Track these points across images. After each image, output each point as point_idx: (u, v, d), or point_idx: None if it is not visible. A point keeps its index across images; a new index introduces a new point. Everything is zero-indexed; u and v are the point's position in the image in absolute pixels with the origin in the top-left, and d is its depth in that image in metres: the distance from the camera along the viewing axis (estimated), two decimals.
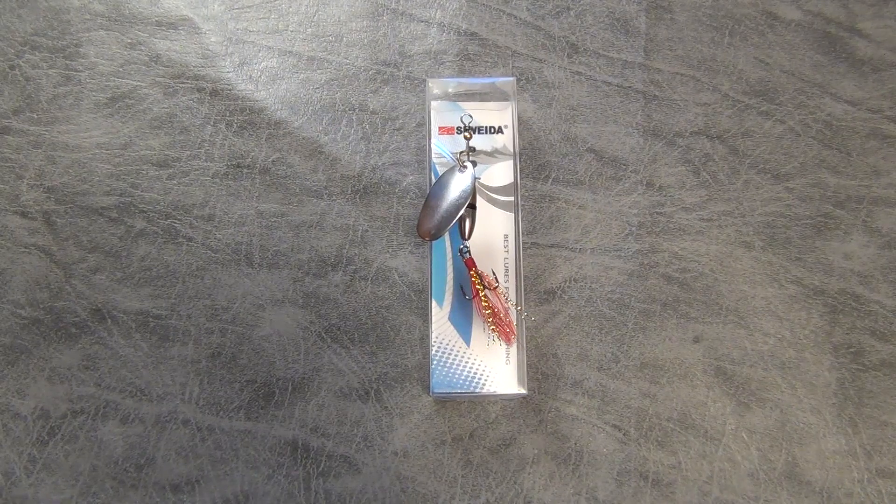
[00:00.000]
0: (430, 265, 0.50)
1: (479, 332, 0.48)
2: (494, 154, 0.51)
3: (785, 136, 0.53)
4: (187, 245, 0.51)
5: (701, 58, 0.55)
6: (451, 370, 0.48)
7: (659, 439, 0.48)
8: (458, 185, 0.49)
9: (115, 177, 0.52)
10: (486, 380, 0.48)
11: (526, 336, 0.49)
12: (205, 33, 0.55)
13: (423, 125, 0.53)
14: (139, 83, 0.54)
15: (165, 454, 0.48)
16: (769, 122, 0.54)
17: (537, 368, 0.49)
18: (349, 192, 0.52)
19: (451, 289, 0.49)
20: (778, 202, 0.52)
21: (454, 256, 0.50)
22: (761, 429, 0.49)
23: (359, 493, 0.47)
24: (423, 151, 0.53)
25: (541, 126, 0.54)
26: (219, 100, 0.54)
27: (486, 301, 0.47)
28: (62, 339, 0.49)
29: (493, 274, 0.49)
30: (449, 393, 0.48)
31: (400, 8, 0.56)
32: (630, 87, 0.54)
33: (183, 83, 0.54)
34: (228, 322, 0.50)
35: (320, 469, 0.48)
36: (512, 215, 0.50)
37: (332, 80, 0.54)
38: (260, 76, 0.54)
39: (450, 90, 0.52)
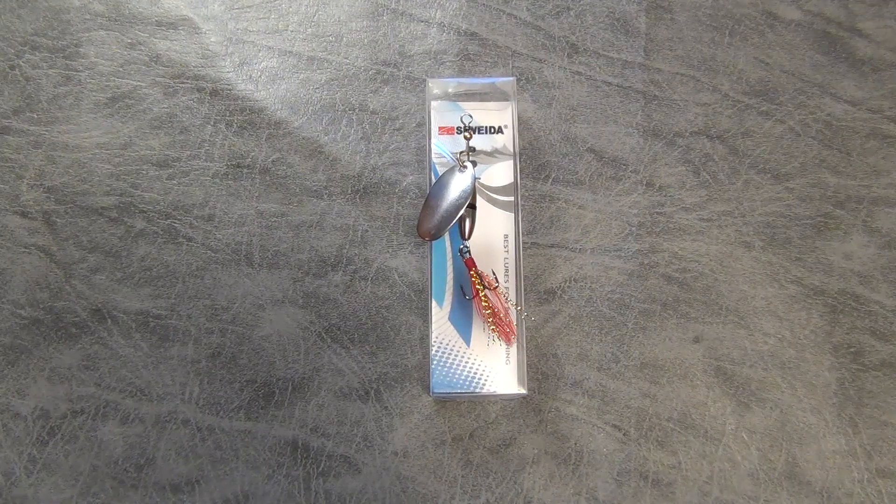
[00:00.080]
0: (430, 265, 0.50)
1: (479, 332, 0.48)
2: (494, 154, 0.51)
3: (785, 136, 0.53)
4: (187, 245, 0.51)
5: (701, 58, 0.55)
6: (451, 370, 0.48)
7: (659, 439, 0.48)
8: (458, 185, 0.49)
9: (115, 177, 0.52)
10: (486, 380, 0.48)
11: (526, 336, 0.49)
12: (205, 33, 0.55)
13: (423, 125, 0.53)
14: (139, 83, 0.54)
15: (165, 454, 0.48)
16: (769, 122, 0.54)
17: (537, 368, 0.49)
18: (349, 192, 0.52)
19: (451, 289, 0.49)
20: (778, 202, 0.52)
21: (454, 256, 0.50)
22: (761, 429, 0.49)
23: (359, 493, 0.47)
24: (423, 151, 0.53)
25: (541, 126, 0.54)
26: (219, 100, 0.54)
27: (486, 301, 0.47)
28: (62, 339, 0.49)
29: (493, 274, 0.49)
30: (449, 393, 0.48)
31: (400, 8, 0.56)
32: (630, 87, 0.54)
33: (183, 83, 0.54)
34: (228, 322, 0.50)
35: (320, 469, 0.48)
36: (512, 215, 0.50)
37: (332, 80, 0.54)
38: (260, 76, 0.54)
39: (450, 90, 0.52)
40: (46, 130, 0.53)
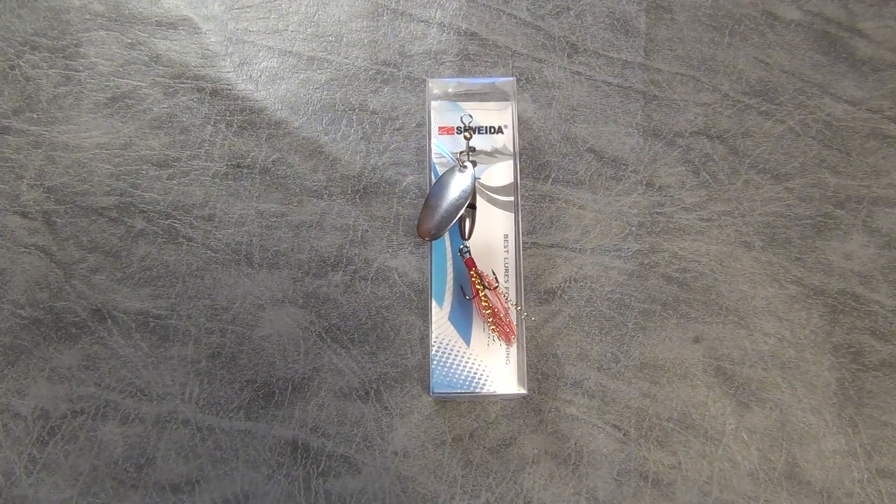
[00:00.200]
0: (430, 265, 0.50)
1: (479, 332, 0.48)
2: (494, 154, 0.51)
3: (785, 136, 0.53)
4: (187, 245, 0.51)
5: (701, 58, 0.55)
6: (451, 370, 0.48)
7: (659, 439, 0.48)
8: (458, 185, 0.49)
9: (115, 177, 0.52)
10: (486, 380, 0.48)
11: (526, 336, 0.49)
12: (205, 33, 0.55)
13: (423, 125, 0.53)
14: (139, 83, 0.54)
15: (165, 454, 0.48)
16: (769, 122, 0.54)
17: (537, 368, 0.49)
18: (349, 192, 0.52)
19: (451, 289, 0.49)
20: (778, 202, 0.52)
21: (454, 256, 0.50)
22: (761, 429, 0.49)
23: (359, 493, 0.47)
24: (423, 151, 0.53)
25: (541, 126, 0.54)
26: (219, 100, 0.54)
27: (486, 301, 0.47)
28: (62, 339, 0.49)
29: (493, 274, 0.49)
30: (449, 393, 0.48)
31: (400, 8, 0.56)
32: (630, 87, 0.54)
33: (183, 83, 0.54)
34: (228, 322, 0.50)
35: (320, 469, 0.48)
36: (512, 215, 0.50)
37: (332, 80, 0.54)
38: (260, 76, 0.54)
39: (450, 90, 0.52)
40: (46, 130, 0.53)
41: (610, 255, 0.51)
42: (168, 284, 0.50)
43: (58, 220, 0.51)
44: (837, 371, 0.49)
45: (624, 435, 0.48)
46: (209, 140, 0.53)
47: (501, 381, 0.48)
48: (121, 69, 0.54)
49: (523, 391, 0.48)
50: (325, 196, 0.52)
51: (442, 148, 0.51)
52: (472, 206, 0.50)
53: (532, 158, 0.53)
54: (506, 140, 0.51)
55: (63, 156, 0.52)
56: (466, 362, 0.48)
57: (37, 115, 0.53)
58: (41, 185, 0.52)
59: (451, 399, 0.49)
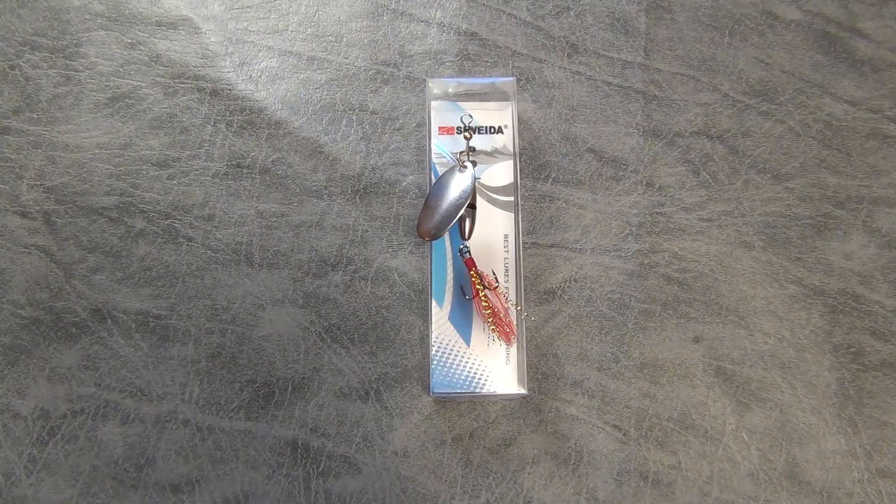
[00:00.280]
0: (430, 265, 0.50)
1: (479, 332, 0.48)
2: (494, 154, 0.51)
3: (785, 136, 0.53)
4: (187, 245, 0.51)
5: (701, 58, 0.55)
6: (451, 370, 0.48)
7: (659, 439, 0.48)
8: (458, 185, 0.49)
9: (115, 177, 0.52)
10: (486, 380, 0.48)
11: (526, 336, 0.49)
12: (205, 33, 0.55)
13: (423, 125, 0.53)
14: (139, 83, 0.54)
15: (165, 454, 0.48)
16: (769, 122, 0.54)
17: (537, 368, 0.49)
18: (349, 192, 0.52)
19: (451, 289, 0.49)
20: (778, 202, 0.52)
21: (454, 256, 0.50)
22: (761, 429, 0.49)
23: (359, 493, 0.47)
24: (423, 151, 0.53)
25: (541, 126, 0.54)
26: (219, 100, 0.54)
27: (486, 301, 0.47)
28: (62, 339, 0.49)
29: (493, 274, 0.49)
30: (449, 393, 0.48)
31: (400, 8, 0.56)
32: (630, 87, 0.54)
33: (183, 83, 0.54)
34: (228, 322, 0.50)
35: (320, 469, 0.48)
36: (512, 215, 0.50)
37: (332, 80, 0.54)
38: (260, 76, 0.54)
39: (450, 90, 0.52)
40: (46, 130, 0.53)
41: (610, 255, 0.51)
42: (168, 284, 0.50)
43: (58, 220, 0.51)
44: (837, 371, 0.49)
45: (624, 435, 0.48)
46: (209, 140, 0.53)
47: (501, 381, 0.48)
48: (121, 69, 0.54)
49: (523, 391, 0.48)
50: (325, 196, 0.52)
51: (442, 148, 0.51)
52: (472, 206, 0.50)
53: (532, 158, 0.53)
54: (506, 140, 0.51)
55: (63, 156, 0.52)
56: (466, 362, 0.48)
57: (37, 115, 0.53)
58: (41, 185, 0.52)
59: (451, 399, 0.49)
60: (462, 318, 0.49)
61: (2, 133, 0.52)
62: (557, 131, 0.54)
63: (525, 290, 0.50)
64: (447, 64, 0.55)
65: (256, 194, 0.52)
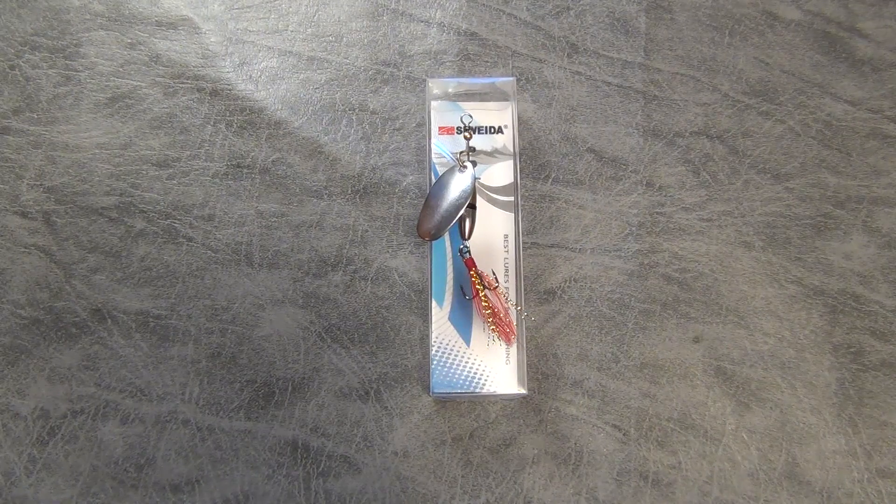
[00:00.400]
0: (430, 265, 0.50)
1: (479, 332, 0.48)
2: (494, 154, 0.51)
3: (785, 136, 0.53)
4: (187, 245, 0.51)
5: (701, 58, 0.55)
6: (451, 370, 0.48)
7: (659, 439, 0.48)
8: (458, 185, 0.49)
9: (115, 177, 0.52)
10: (486, 380, 0.48)
11: (526, 336, 0.49)
12: (205, 33, 0.55)
13: (423, 125, 0.53)
14: (139, 83, 0.54)
15: (165, 454, 0.48)
16: (769, 122, 0.54)
17: (537, 368, 0.49)
18: (349, 192, 0.52)
19: (451, 289, 0.49)
20: (778, 202, 0.52)
21: (454, 256, 0.50)
22: (761, 429, 0.49)
23: (359, 493, 0.47)
24: (423, 151, 0.53)
25: (541, 126, 0.54)
26: (219, 100, 0.54)
27: (486, 301, 0.47)
28: (62, 339, 0.49)
29: (493, 274, 0.49)
30: (449, 393, 0.48)
31: (400, 8, 0.56)
32: (630, 87, 0.54)
33: (183, 83, 0.54)
34: (228, 322, 0.50)
35: (320, 469, 0.48)
36: (512, 215, 0.50)
37: (332, 80, 0.54)
38: (260, 76, 0.54)
39: (450, 90, 0.52)
40: (46, 130, 0.53)
41: (610, 255, 0.51)
42: (168, 284, 0.50)
43: (58, 220, 0.51)
44: (837, 371, 0.49)
45: (624, 435, 0.48)
46: (209, 140, 0.53)
47: (501, 381, 0.48)
48: (121, 69, 0.54)
49: (523, 391, 0.48)
50: (325, 196, 0.52)
51: (442, 148, 0.51)
52: (472, 206, 0.50)
53: (532, 158, 0.53)
54: (506, 140, 0.51)
55: (63, 156, 0.52)
56: (466, 362, 0.48)
57: (37, 115, 0.53)
58: (41, 185, 0.52)
59: (451, 399, 0.49)
60: (462, 318, 0.49)
61: (2, 133, 0.52)
62: (557, 131, 0.54)
63: (525, 290, 0.50)
64: (447, 64, 0.55)
65: (256, 194, 0.52)
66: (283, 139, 0.53)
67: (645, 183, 0.53)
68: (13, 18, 0.54)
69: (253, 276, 0.51)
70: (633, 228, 0.52)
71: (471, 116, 0.51)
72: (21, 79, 0.53)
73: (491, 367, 0.48)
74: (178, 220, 0.51)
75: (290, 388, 0.49)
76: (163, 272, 0.51)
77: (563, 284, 0.51)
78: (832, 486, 0.48)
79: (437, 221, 0.48)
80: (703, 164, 0.53)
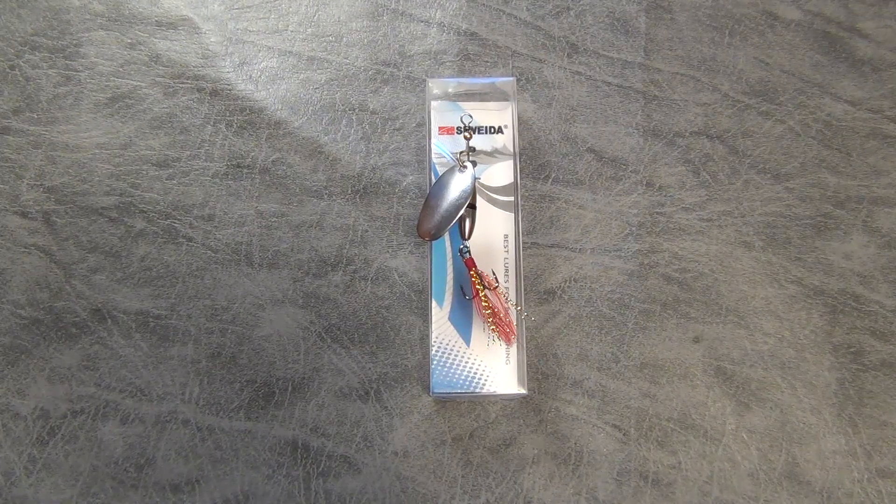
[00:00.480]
0: (430, 265, 0.50)
1: (479, 332, 0.48)
2: (494, 154, 0.51)
3: (785, 136, 0.53)
4: (187, 245, 0.51)
5: (701, 58, 0.55)
6: (451, 370, 0.48)
7: (659, 439, 0.48)
8: (458, 185, 0.49)
9: (115, 177, 0.52)
10: (486, 380, 0.48)
11: (526, 336, 0.49)
12: (205, 33, 0.55)
13: (423, 125, 0.53)
14: (139, 83, 0.54)
15: (165, 454, 0.48)
16: (769, 122, 0.54)
17: (537, 368, 0.49)
18: (349, 192, 0.52)
19: (451, 289, 0.49)
20: (778, 202, 0.52)
21: (454, 256, 0.50)
22: (761, 429, 0.49)
23: (359, 493, 0.47)
24: (423, 151, 0.53)
25: (541, 126, 0.54)
26: (219, 100, 0.54)
27: (486, 301, 0.47)
28: (62, 339, 0.49)
29: (493, 274, 0.49)
30: (449, 393, 0.48)
31: (400, 8, 0.56)
32: (630, 87, 0.54)
33: (183, 83, 0.54)
34: (228, 322, 0.50)
35: (320, 469, 0.48)
36: (512, 215, 0.50)
37: (332, 80, 0.54)
38: (260, 76, 0.54)
39: (450, 90, 0.52)
40: (46, 130, 0.53)
41: (610, 255, 0.51)
42: (168, 284, 0.50)
43: (58, 220, 0.51)
44: (837, 371, 0.49)
45: (624, 435, 0.48)
46: (209, 140, 0.53)
47: (501, 381, 0.48)
48: (121, 69, 0.54)
49: (523, 391, 0.48)
50: (325, 196, 0.52)
51: (442, 148, 0.51)
52: (472, 206, 0.50)
53: (532, 158, 0.53)
54: (506, 140, 0.51)
55: (63, 156, 0.52)
56: (466, 362, 0.48)
57: (37, 115, 0.53)
58: (41, 185, 0.52)
59: (451, 399, 0.49)
60: (462, 318, 0.49)
61: (2, 133, 0.52)
62: (557, 131, 0.54)
63: (525, 290, 0.50)
64: (447, 64, 0.55)
65: (256, 194, 0.52)
66: (283, 139, 0.53)
67: (645, 183, 0.53)
68: (13, 18, 0.54)
69: (253, 276, 0.51)
70: (633, 228, 0.52)
71: (471, 116, 0.51)
72: (21, 79, 0.53)
73: (491, 367, 0.48)
74: (178, 220, 0.51)
75: (290, 388, 0.49)
76: (163, 272, 0.51)
77: (563, 284, 0.51)
78: (832, 486, 0.48)
79: (437, 221, 0.48)
80: (703, 164, 0.53)
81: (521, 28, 0.55)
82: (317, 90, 0.54)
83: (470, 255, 0.49)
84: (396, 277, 0.51)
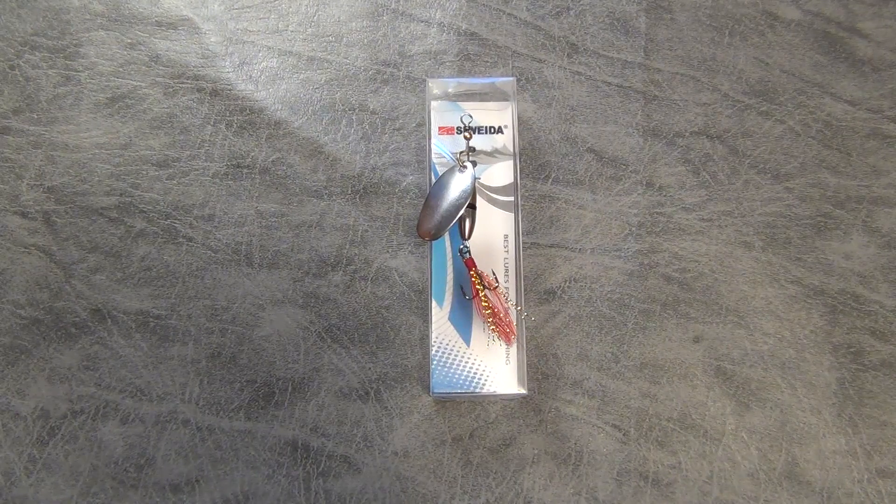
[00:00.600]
0: (430, 265, 0.50)
1: (479, 332, 0.48)
2: (494, 154, 0.51)
3: (785, 136, 0.53)
4: (187, 245, 0.51)
5: (701, 58, 0.55)
6: (451, 370, 0.48)
7: (659, 439, 0.48)
8: (458, 185, 0.49)
9: (115, 177, 0.52)
10: (486, 380, 0.48)
11: (526, 336, 0.49)
12: (205, 33, 0.55)
13: (423, 125, 0.53)
14: (139, 83, 0.54)
15: (165, 454, 0.48)
16: (769, 122, 0.54)
17: (537, 368, 0.49)
18: (349, 192, 0.52)
19: (451, 289, 0.49)
20: (778, 202, 0.52)
21: (454, 256, 0.50)
22: (761, 429, 0.49)
23: (359, 493, 0.47)
24: (423, 151, 0.53)
25: (541, 126, 0.54)
26: (219, 100, 0.54)
27: (486, 301, 0.47)
28: (62, 339, 0.49)
29: (493, 274, 0.49)
30: (449, 393, 0.48)
31: (400, 8, 0.56)
32: (630, 87, 0.54)
33: (183, 83, 0.54)
34: (228, 322, 0.50)
35: (320, 469, 0.48)
36: (512, 215, 0.50)
37: (332, 80, 0.54)
38: (260, 76, 0.54)
39: (450, 90, 0.52)
40: (46, 130, 0.53)
41: (610, 255, 0.51)
42: (168, 284, 0.50)
43: (58, 220, 0.51)
44: (837, 371, 0.49)
45: (624, 435, 0.48)
46: (209, 140, 0.53)
47: (501, 381, 0.48)
48: (121, 69, 0.54)
49: (523, 391, 0.48)
50: (325, 196, 0.52)
51: (442, 148, 0.51)
52: (472, 206, 0.50)
53: (532, 158, 0.53)
54: (506, 140, 0.51)
55: (63, 156, 0.52)
56: (466, 362, 0.48)
57: (37, 115, 0.53)
58: (41, 185, 0.52)
59: (451, 399, 0.49)
60: (462, 318, 0.49)
61: (2, 133, 0.52)
62: (557, 131, 0.54)
63: (525, 290, 0.50)
64: (447, 64, 0.55)
65: (256, 194, 0.52)
66: (283, 139, 0.53)
67: (645, 183, 0.53)
68: (13, 18, 0.54)
69: (253, 276, 0.51)
70: (633, 228, 0.52)
71: (471, 116, 0.51)
72: (21, 79, 0.53)
73: (491, 367, 0.48)
74: (178, 220, 0.51)
75: (290, 388, 0.49)
76: (163, 272, 0.51)
77: (563, 284, 0.51)
78: (832, 486, 0.48)
79: (437, 221, 0.48)
80: (703, 164, 0.53)
81: (521, 28, 0.55)
82: (317, 90, 0.54)
83: (470, 255, 0.49)
84: (396, 277, 0.51)
